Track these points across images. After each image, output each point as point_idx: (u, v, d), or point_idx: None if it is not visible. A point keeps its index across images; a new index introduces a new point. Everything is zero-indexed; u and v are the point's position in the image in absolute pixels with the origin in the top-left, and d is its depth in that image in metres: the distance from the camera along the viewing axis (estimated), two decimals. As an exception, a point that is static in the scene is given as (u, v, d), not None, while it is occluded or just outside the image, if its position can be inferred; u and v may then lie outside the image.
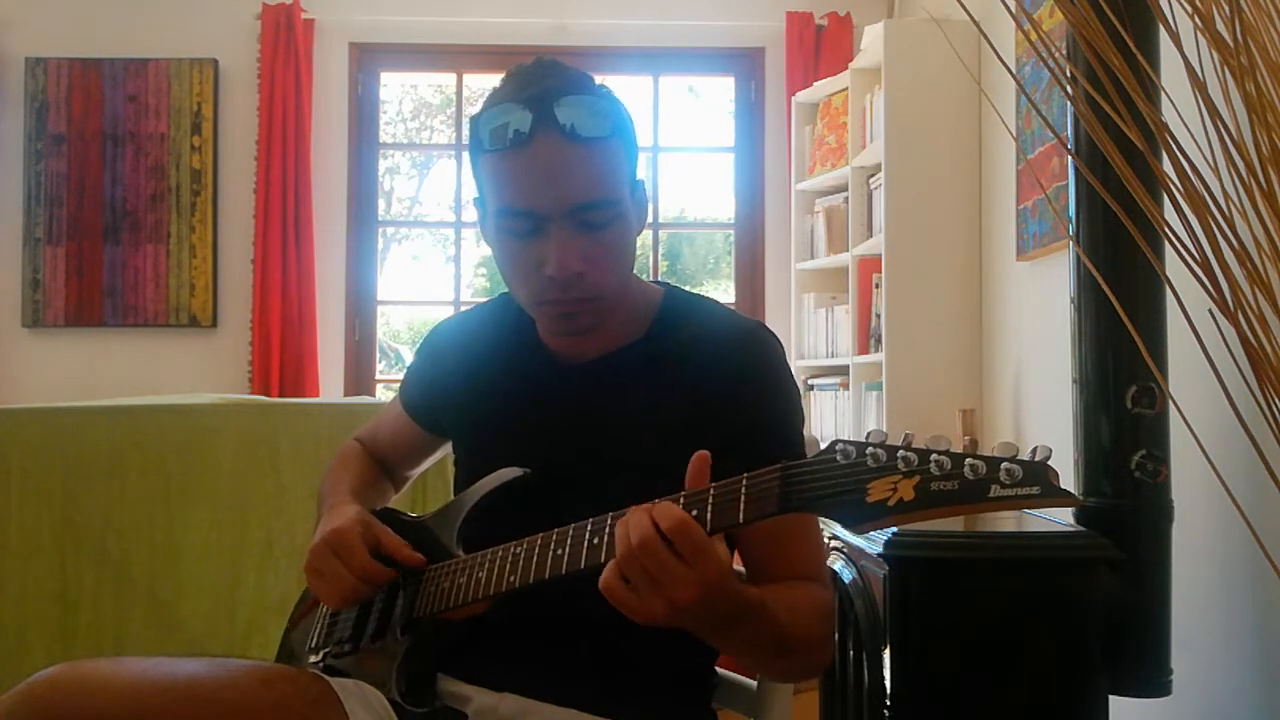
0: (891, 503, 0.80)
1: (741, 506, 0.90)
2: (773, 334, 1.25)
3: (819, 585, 1.17)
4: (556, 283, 1.14)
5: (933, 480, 0.79)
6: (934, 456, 0.80)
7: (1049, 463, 0.78)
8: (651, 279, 1.35)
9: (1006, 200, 3.03)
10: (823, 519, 0.99)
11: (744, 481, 0.91)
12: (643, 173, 1.24)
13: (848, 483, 0.83)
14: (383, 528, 1.21)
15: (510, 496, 1.21)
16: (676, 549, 0.90)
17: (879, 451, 0.82)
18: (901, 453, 0.81)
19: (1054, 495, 0.77)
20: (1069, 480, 1.62)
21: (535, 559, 1.05)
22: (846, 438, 0.87)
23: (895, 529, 1.51)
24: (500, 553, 1.10)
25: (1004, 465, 0.77)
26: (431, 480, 2.08)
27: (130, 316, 4.24)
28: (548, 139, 1.11)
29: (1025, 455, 0.78)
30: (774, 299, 4.31)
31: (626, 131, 1.18)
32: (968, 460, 0.78)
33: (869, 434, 0.85)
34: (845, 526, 0.86)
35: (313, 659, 1.27)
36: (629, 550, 0.91)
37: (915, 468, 0.80)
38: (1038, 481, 0.77)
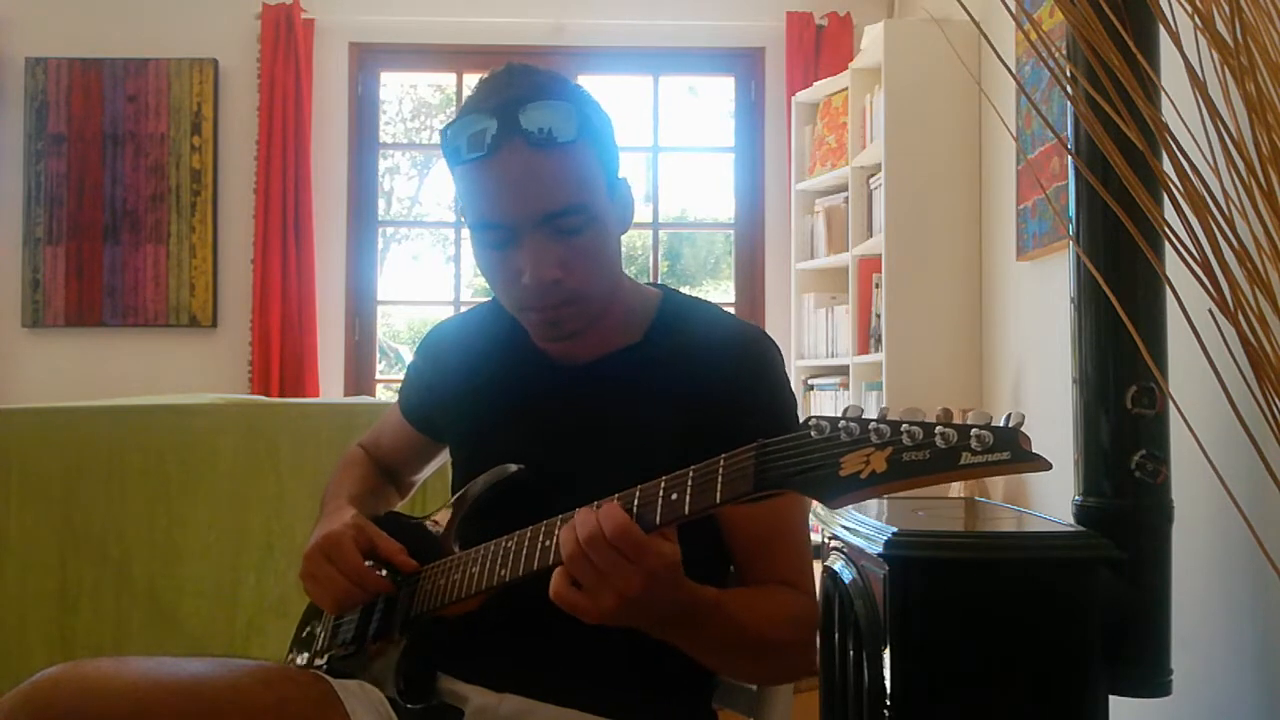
0: (864, 475, 0.80)
1: (719, 487, 0.90)
2: (771, 341, 1.25)
3: (797, 591, 1.17)
4: (534, 292, 1.14)
5: (904, 451, 0.79)
6: (905, 427, 0.79)
7: (1021, 428, 0.77)
8: (651, 280, 1.35)
9: (1006, 200, 3.03)
10: (812, 507, 0.99)
11: (721, 462, 0.91)
12: (634, 173, 1.24)
13: (821, 457, 0.83)
14: (377, 531, 1.21)
15: (508, 496, 1.21)
16: (619, 550, 0.92)
17: (852, 425, 0.82)
18: (874, 425, 0.81)
19: (1024, 460, 0.76)
20: (1069, 480, 1.62)
21: (525, 552, 1.05)
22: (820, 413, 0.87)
23: (895, 529, 1.51)
24: (492, 548, 1.10)
25: (974, 432, 0.77)
26: (432, 481, 2.07)
27: (130, 316, 4.24)
28: (513, 147, 1.10)
29: (999, 422, 0.78)
30: (774, 299, 4.31)
31: (598, 133, 1.16)
32: (938, 429, 0.78)
33: (845, 409, 0.85)
34: (821, 502, 0.86)
35: (318, 660, 1.28)
36: (577, 550, 0.93)
37: (887, 439, 0.80)
38: (1008, 447, 0.76)
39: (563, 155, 1.11)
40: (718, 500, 0.90)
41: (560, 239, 1.13)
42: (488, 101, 1.12)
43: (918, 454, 0.79)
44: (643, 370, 1.22)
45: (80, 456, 2.32)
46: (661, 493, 0.94)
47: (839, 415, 0.84)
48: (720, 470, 0.90)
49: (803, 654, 1.17)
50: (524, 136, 1.10)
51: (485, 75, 1.18)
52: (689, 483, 0.92)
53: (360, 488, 1.38)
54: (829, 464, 0.83)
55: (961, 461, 0.77)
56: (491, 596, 1.11)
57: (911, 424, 0.79)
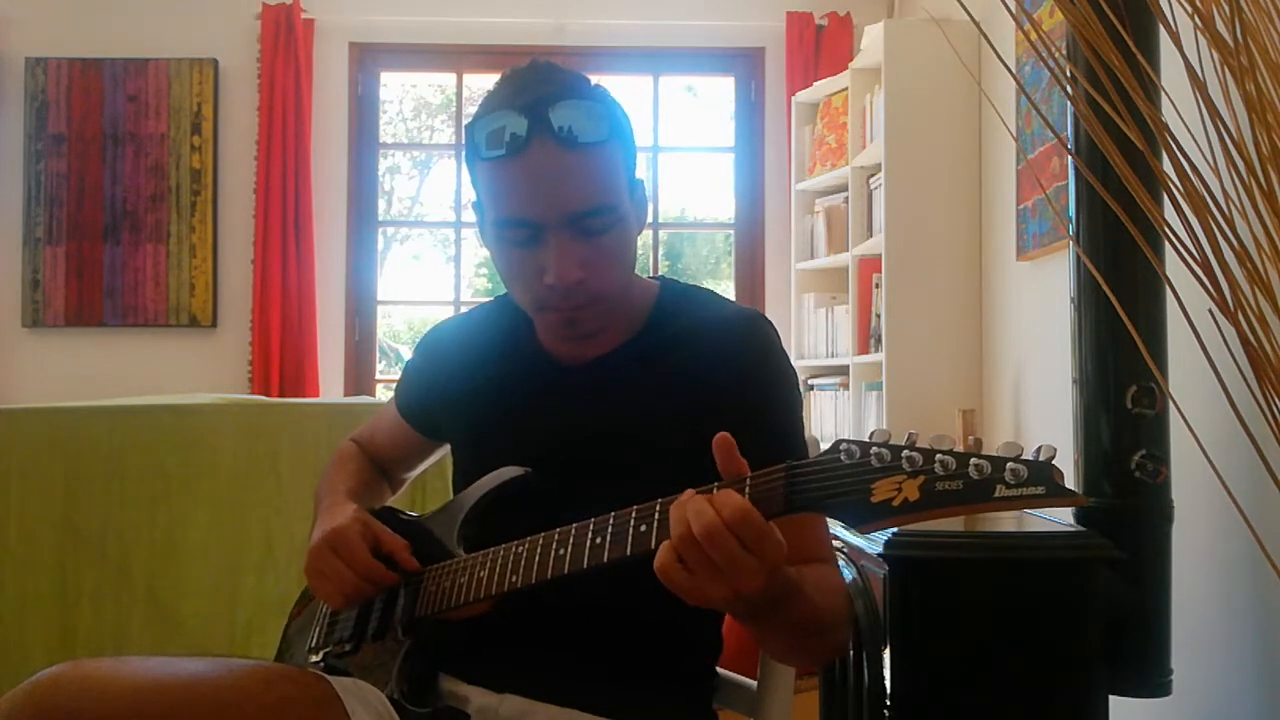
0: (896, 503, 0.81)
1: None
2: (769, 321, 1.25)
3: (833, 567, 1.18)
4: (557, 291, 1.13)
5: (938, 480, 0.79)
6: (939, 456, 0.80)
7: (1053, 462, 0.78)
8: (650, 275, 1.34)
9: (1006, 200, 3.03)
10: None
11: (748, 481, 0.91)
12: (642, 172, 1.24)
13: (852, 483, 0.83)
14: (381, 527, 1.21)
15: (511, 496, 1.21)
16: (741, 538, 0.88)
17: (883, 451, 0.82)
18: (906, 453, 0.81)
19: (1059, 495, 0.77)
20: (1069, 481, 1.62)
21: (537, 559, 1.05)
22: (850, 437, 0.87)
23: (895, 529, 1.51)
24: (502, 552, 1.10)
25: (1009, 465, 0.77)
26: (431, 480, 2.08)
27: (130, 316, 4.24)
28: (543, 146, 1.10)
29: (1030, 455, 0.78)
30: (774, 299, 4.31)
31: (623, 133, 1.17)
32: (973, 460, 0.78)
33: (873, 433, 0.85)
34: (849, 526, 0.86)
35: (313, 658, 1.27)
36: (686, 536, 0.88)
37: (920, 468, 0.80)
38: (1043, 481, 0.77)
39: (592, 155, 1.11)
40: None
41: (585, 239, 1.13)
42: (517, 98, 1.12)
43: (951, 484, 0.79)
44: (644, 362, 1.22)
45: (80, 456, 2.32)
46: (742, 497, 0.93)
47: (867, 439, 0.84)
48: (747, 490, 0.90)
49: (847, 628, 1.16)
50: (554, 135, 1.10)
51: (508, 72, 1.17)
52: None
53: (356, 483, 1.38)
54: (860, 489, 0.83)
55: (996, 494, 0.77)
56: (499, 600, 1.11)
57: (944, 453, 0.79)
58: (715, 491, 0.91)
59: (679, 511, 0.90)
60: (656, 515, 0.95)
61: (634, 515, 0.97)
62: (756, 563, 0.88)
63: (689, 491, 0.92)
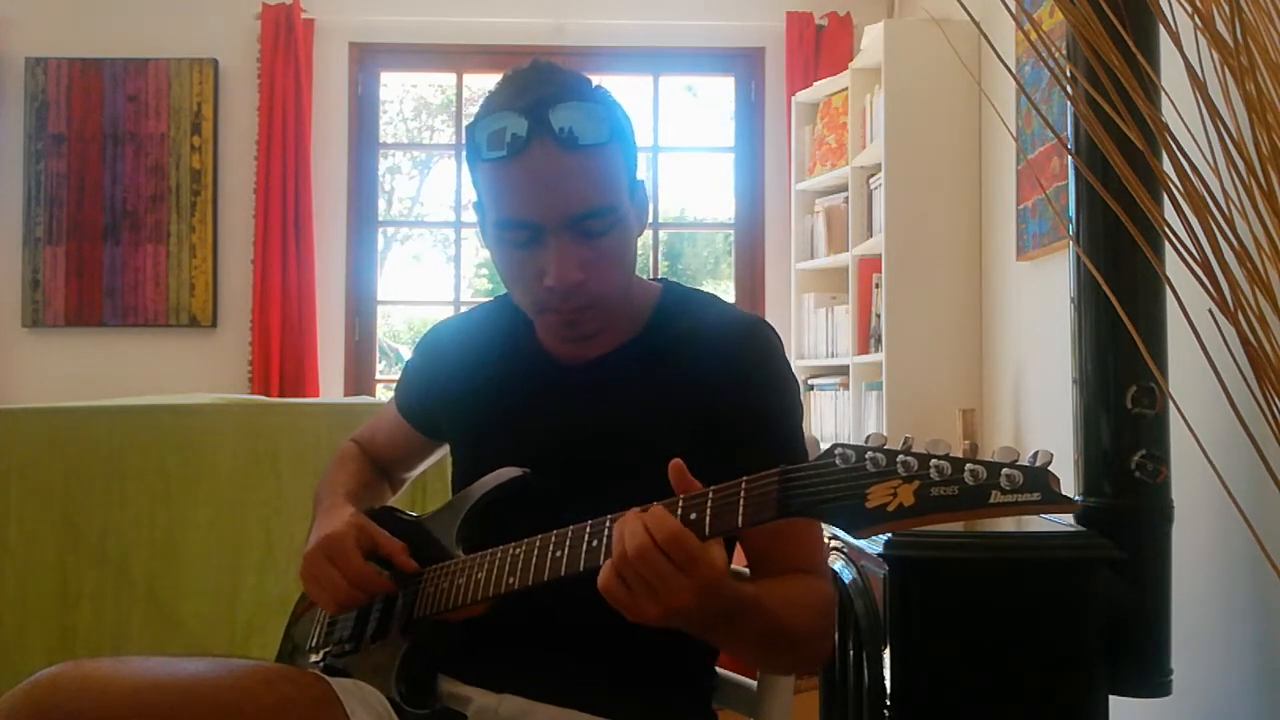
0: (891, 508, 0.81)
1: (740, 512, 0.90)
2: (771, 327, 1.25)
3: (818, 578, 1.17)
4: (557, 293, 1.13)
5: (933, 486, 0.79)
6: (934, 462, 0.79)
7: (1049, 468, 0.78)
8: (652, 277, 1.34)
9: (1006, 200, 3.03)
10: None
11: (742, 486, 0.91)
12: (642, 173, 1.24)
13: (847, 488, 0.83)
14: (378, 529, 1.21)
15: (510, 497, 1.21)
16: (671, 558, 0.90)
17: (878, 456, 0.82)
18: (901, 458, 0.81)
19: (1055, 501, 0.77)
20: (1069, 480, 1.62)
21: (534, 560, 1.05)
22: (846, 440, 0.87)
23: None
24: (499, 554, 1.10)
25: (1004, 471, 0.77)
26: (431, 480, 2.08)
27: (130, 316, 4.24)
28: (544, 148, 1.10)
29: (1026, 460, 0.78)
30: (774, 299, 4.31)
31: (624, 134, 1.17)
32: (968, 466, 0.78)
33: (868, 438, 0.84)
34: (845, 531, 0.86)
35: (313, 659, 1.27)
36: (624, 556, 0.91)
37: (915, 473, 0.80)
38: (1038, 487, 0.77)
39: (592, 157, 1.11)
40: (739, 525, 0.90)
41: (585, 241, 1.13)
42: (518, 100, 1.11)
43: (946, 489, 0.79)
44: (644, 363, 1.22)
45: (80, 456, 2.32)
46: (680, 512, 0.93)
47: (862, 444, 0.84)
48: (742, 494, 0.90)
49: (829, 639, 1.16)
50: (554, 137, 1.09)
51: (509, 72, 1.17)
52: (709, 505, 0.92)
53: (355, 484, 1.38)
54: (855, 494, 0.83)
55: (991, 500, 0.77)
56: (496, 601, 1.11)
57: (940, 458, 0.79)
58: (645, 511, 0.92)
59: (618, 531, 0.93)
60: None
61: None
62: (687, 581, 0.90)
63: (632, 510, 0.94)
